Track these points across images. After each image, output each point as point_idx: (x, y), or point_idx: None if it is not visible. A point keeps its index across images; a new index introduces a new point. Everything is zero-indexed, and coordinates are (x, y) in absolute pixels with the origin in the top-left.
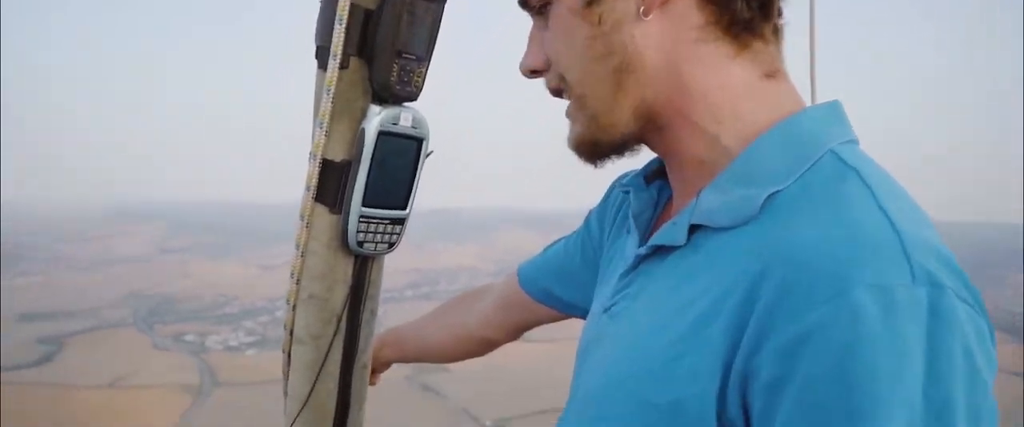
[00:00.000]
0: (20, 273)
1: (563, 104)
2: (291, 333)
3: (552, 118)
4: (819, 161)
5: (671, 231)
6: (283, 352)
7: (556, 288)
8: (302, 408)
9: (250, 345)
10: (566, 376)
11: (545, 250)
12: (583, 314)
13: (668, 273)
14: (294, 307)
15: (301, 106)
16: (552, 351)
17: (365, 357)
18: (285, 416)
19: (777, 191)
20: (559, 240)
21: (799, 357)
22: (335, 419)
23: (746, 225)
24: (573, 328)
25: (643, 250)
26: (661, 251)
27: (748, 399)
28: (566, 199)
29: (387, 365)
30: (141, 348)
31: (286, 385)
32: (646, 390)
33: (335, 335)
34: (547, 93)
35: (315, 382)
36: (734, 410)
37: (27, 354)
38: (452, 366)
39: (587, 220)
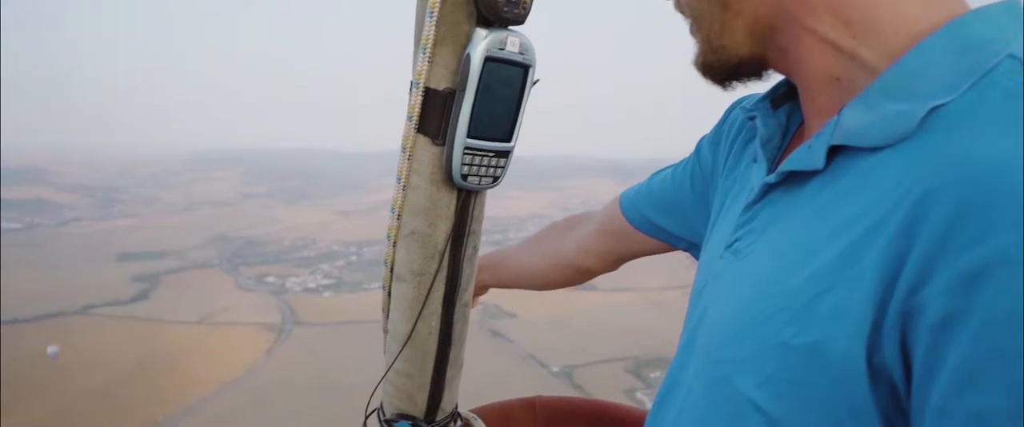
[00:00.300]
0: (117, 215)
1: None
2: (391, 270)
3: (622, 66)
4: (995, 69)
5: (806, 155)
6: (383, 289)
7: (660, 218)
8: (403, 346)
9: (327, 287)
10: (632, 325)
11: (651, 178)
12: (688, 247)
13: (804, 203)
14: (395, 243)
15: (375, 56)
16: (619, 301)
17: (467, 295)
18: (386, 354)
19: (940, 105)
20: (666, 168)
21: (978, 291)
22: (437, 358)
23: (901, 144)
24: (639, 279)
25: (772, 178)
26: (794, 179)
27: (909, 341)
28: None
29: (484, 290)
30: (226, 288)
31: (386, 322)
32: (781, 331)
33: (437, 273)
34: (618, 41)
35: (416, 320)
36: (889, 353)
37: (124, 291)
38: (520, 313)
39: (698, 148)
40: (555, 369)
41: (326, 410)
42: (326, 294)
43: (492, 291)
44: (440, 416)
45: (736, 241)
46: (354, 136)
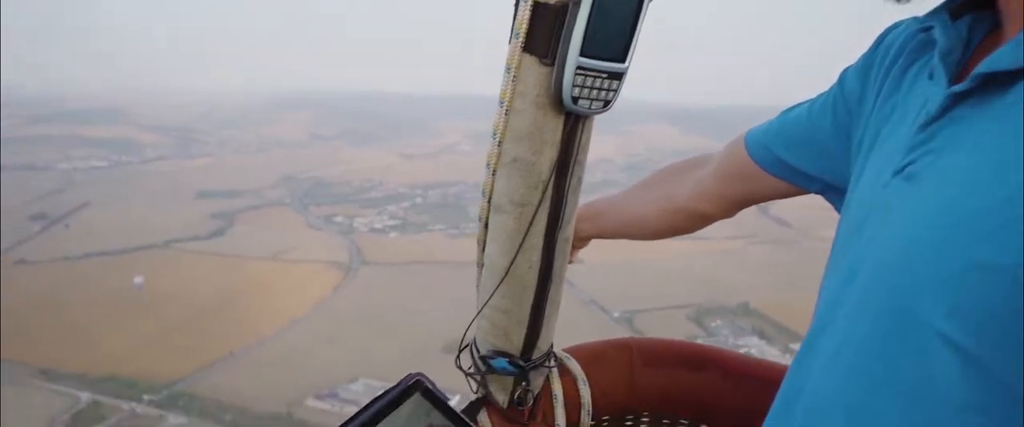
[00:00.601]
0: (195, 155)
1: None
2: (489, 200)
3: (693, 8)
4: None
5: (1010, 53)
6: (479, 221)
7: (793, 157)
8: (501, 281)
9: (392, 228)
10: (696, 273)
11: (782, 115)
12: (821, 189)
13: (1005, 112)
14: (495, 172)
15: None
16: (683, 248)
17: (568, 229)
18: (479, 289)
19: None
20: (799, 105)
21: None
22: (536, 294)
23: None
24: (713, 226)
25: (963, 86)
26: (991, 85)
27: None
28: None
29: (586, 241)
30: (297, 226)
31: (481, 256)
32: (977, 249)
33: (540, 203)
34: None
35: (516, 254)
36: None
37: (203, 227)
38: (586, 257)
39: (842, 79)
40: (616, 314)
41: (391, 346)
42: (392, 235)
43: None
44: (536, 355)
45: (909, 164)
46: (421, 80)
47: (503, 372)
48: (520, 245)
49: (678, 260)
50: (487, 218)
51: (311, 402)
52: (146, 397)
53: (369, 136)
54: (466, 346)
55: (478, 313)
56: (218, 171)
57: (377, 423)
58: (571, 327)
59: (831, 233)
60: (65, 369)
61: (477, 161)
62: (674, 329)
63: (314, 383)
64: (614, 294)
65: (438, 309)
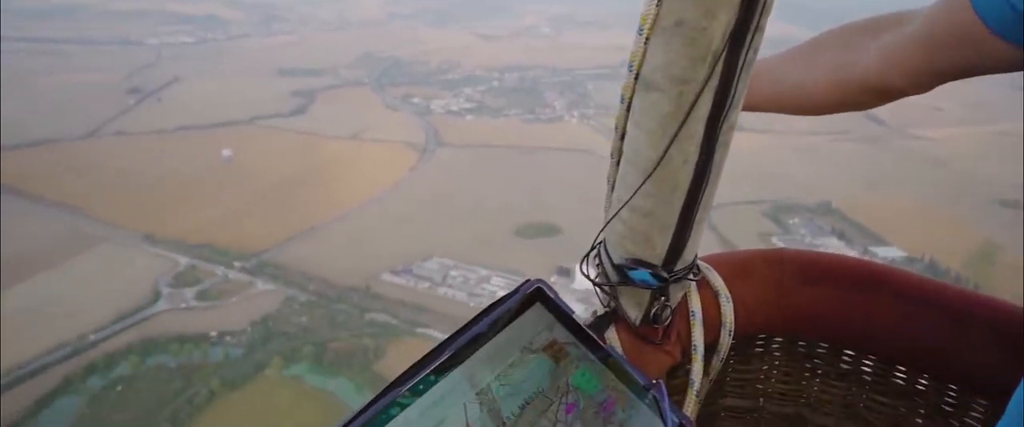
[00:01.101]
0: (277, 32)
1: None
2: (637, 75)
3: None
4: None
5: None
6: (621, 100)
7: None
8: (647, 177)
9: (469, 111)
10: (772, 169)
11: None
12: None
13: None
14: (647, 37)
15: None
16: (760, 143)
17: (735, 115)
18: (613, 184)
19: None
20: None
21: None
22: (688, 193)
23: None
24: (782, 120)
25: None
26: None
27: None
28: None
29: None
30: (375, 106)
31: (619, 144)
32: None
33: (707, 81)
34: None
35: (670, 144)
36: None
37: (285, 104)
38: None
39: None
40: None
41: (463, 228)
42: (468, 117)
43: None
44: (680, 266)
45: None
46: None
47: (642, 284)
48: (675, 133)
49: (754, 154)
50: (631, 97)
51: (387, 277)
52: (237, 264)
53: (447, 16)
54: (594, 250)
55: (614, 214)
56: (299, 49)
57: (497, 333)
58: None
59: (929, 132)
60: (164, 235)
61: (557, 45)
62: (749, 225)
63: (390, 259)
64: None
65: (511, 194)
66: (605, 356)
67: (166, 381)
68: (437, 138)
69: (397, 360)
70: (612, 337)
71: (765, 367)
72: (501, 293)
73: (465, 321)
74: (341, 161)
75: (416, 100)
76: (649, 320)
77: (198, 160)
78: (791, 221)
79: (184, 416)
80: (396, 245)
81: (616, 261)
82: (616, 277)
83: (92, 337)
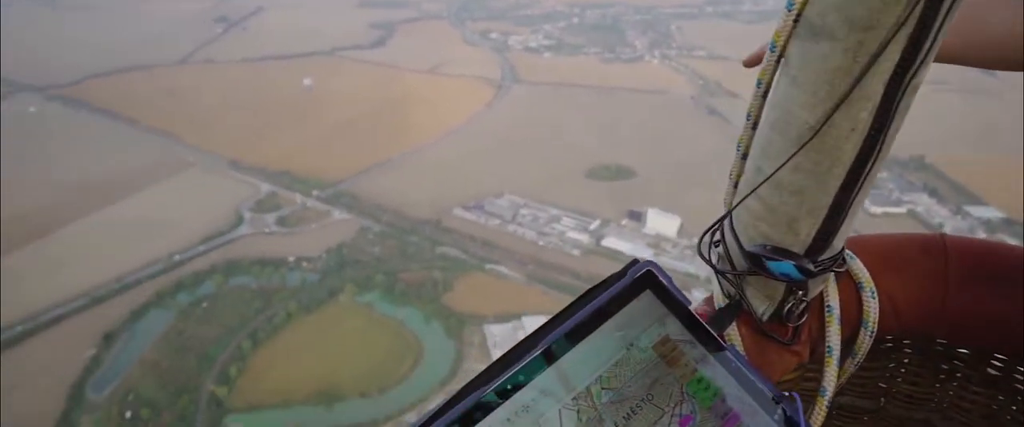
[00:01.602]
0: None
1: None
2: (797, 17)
3: None
4: None
5: None
6: (772, 47)
7: None
8: (802, 145)
9: (547, 48)
10: None
11: None
12: None
13: None
14: None
15: None
16: None
17: (924, 73)
18: (747, 151)
19: None
20: None
21: None
22: (850, 168)
23: None
24: None
25: None
26: None
27: None
28: None
29: None
30: (453, 41)
31: (759, 103)
32: None
33: (899, 27)
34: None
35: (836, 107)
36: None
37: (365, 37)
38: (745, 93)
39: None
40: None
41: (537, 166)
42: (545, 55)
43: (717, 65)
44: (826, 255)
45: None
46: None
47: (782, 277)
48: (846, 94)
49: None
50: (785, 44)
51: (458, 212)
52: (315, 192)
53: None
54: (716, 230)
55: (751, 190)
56: None
57: (599, 325)
58: (722, 167)
59: None
60: (248, 162)
61: None
62: None
63: (462, 194)
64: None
65: (585, 134)
66: (727, 359)
67: (247, 301)
68: (514, 74)
69: (464, 293)
70: (733, 334)
71: (891, 365)
72: (570, 234)
73: (559, 306)
74: (418, 95)
75: (494, 35)
76: (780, 317)
77: (281, 89)
78: (879, 175)
79: (263, 335)
80: (469, 180)
81: (747, 246)
82: (745, 265)
83: (180, 256)
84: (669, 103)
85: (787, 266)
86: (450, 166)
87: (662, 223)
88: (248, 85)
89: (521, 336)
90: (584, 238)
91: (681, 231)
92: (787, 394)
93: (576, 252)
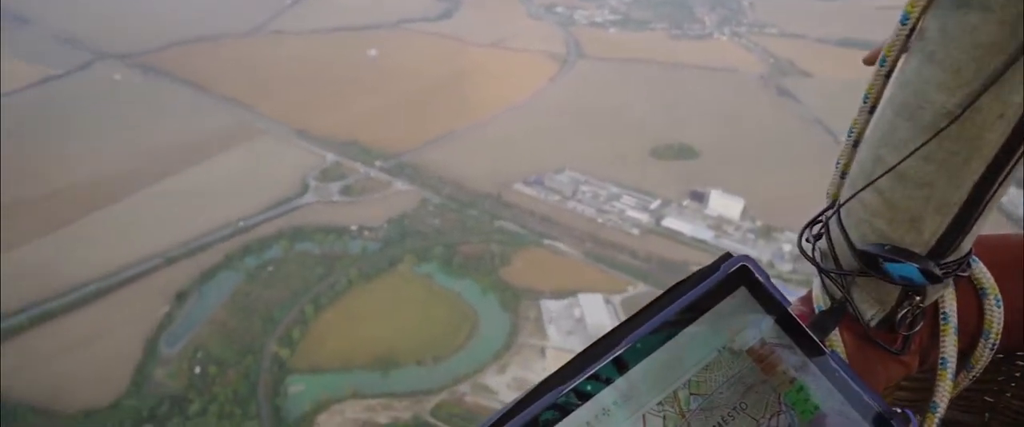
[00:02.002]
0: None
1: None
2: None
3: None
4: None
5: None
6: (903, 20)
7: None
8: (936, 133)
9: (613, 23)
10: None
11: None
12: None
13: None
14: None
15: None
16: None
17: None
18: (861, 136)
19: None
20: None
21: None
22: (991, 162)
23: None
24: None
25: None
26: None
27: None
28: None
29: None
30: (518, 14)
31: (880, 83)
32: None
33: None
34: None
35: (983, 89)
36: None
37: (431, 9)
38: (817, 72)
39: None
40: (842, 139)
41: (599, 143)
42: (611, 30)
43: (789, 44)
44: (953, 257)
45: None
46: None
47: (900, 281)
48: (999, 74)
49: None
50: (921, 14)
51: (518, 186)
52: (378, 163)
53: None
54: (819, 224)
55: (871, 182)
56: None
57: (692, 320)
58: (789, 148)
59: None
60: (315, 131)
61: None
62: None
63: (523, 169)
64: (841, 115)
65: (649, 111)
66: (830, 367)
67: (310, 266)
68: (578, 49)
69: (521, 268)
70: (835, 339)
71: (1000, 378)
72: (630, 212)
73: (654, 298)
74: (481, 68)
75: (560, 9)
76: (891, 323)
77: (347, 60)
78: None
79: (325, 300)
80: (530, 155)
81: (859, 244)
82: (855, 264)
83: (248, 222)
84: (737, 82)
85: (909, 269)
86: (511, 140)
87: (725, 205)
88: (316, 56)
89: (577, 313)
90: (644, 217)
91: (744, 214)
92: (899, 410)
93: (635, 231)
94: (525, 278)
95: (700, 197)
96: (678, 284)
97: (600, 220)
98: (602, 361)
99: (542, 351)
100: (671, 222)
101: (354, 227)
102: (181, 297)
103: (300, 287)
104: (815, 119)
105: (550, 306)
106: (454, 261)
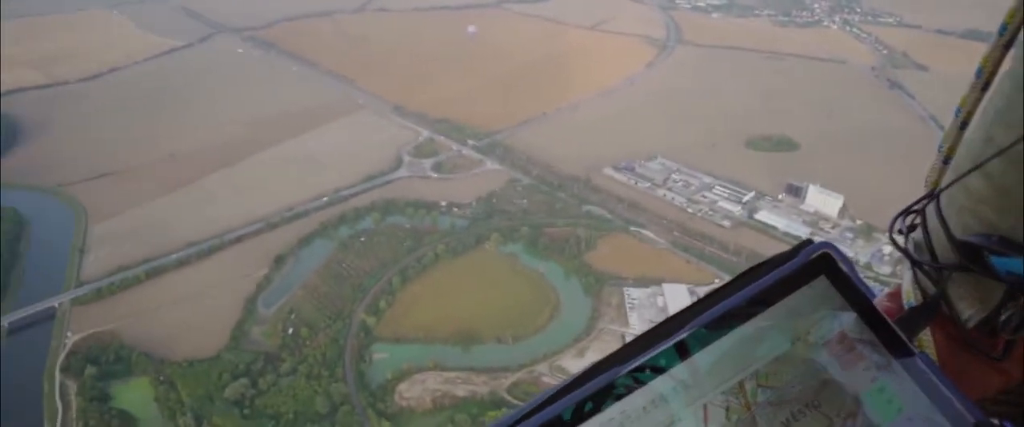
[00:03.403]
0: None
1: None
2: None
3: None
4: None
5: None
6: (1019, 9)
7: None
8: None
9: (716, 8)
10: None
11: None
12: None
13: None
14: None
15: None
16: None
17: None
18: (968, 117)
19: None
20: None
21: None
22: None
23: None
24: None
25: None
26: None
27: None
28: None
29: None
30: None
31: (999, 54)
32: None
33: None
34: None
35: None
36: None
37: None
38: (934, 65)
39: None
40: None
41: (693, 130)
42: (714, 15)
43: (905, 34)
44: None
45: None
46: None
47: (1007, 277)
48: None
49: None
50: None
51: (608, 171)
52: (470, 142)
53: None
54: (911, 213)
55: (978, 165)
56: None
57: (764, 308)
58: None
59: None
60: (411, 107)
61: None
62: None
63: (614, 154)
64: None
65: (748, 101)
66: (918, 369)
67: (400, 239)
68: (678, 35)
69: (606, 253)
70: (925, 339)
71: None
72: (722, 204)
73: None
74: (579, 50)
75: None
76: (992, 326)
77: (446, 39)
78: None
79: (412, 273)
80: (622, 141)
81: (961, 234)
82: (953, 257)
83: (344, 192)
84: (845, 73)
85: (1017, 263)
86: (604, 125)
87: (823, 201)
88: (416, 34)
89: (660, 303)
90: (736, 209)
91: (843, 211)
92: (997, 423)
93: (726, 223)
94: (610, 264)
95: (797, 192)
96: (752, 269)
97: (690, 210)
98: (663, 345)
99: (622, 338)
100: (764, 216)
101: (444, 203)
102: (279, 261)
103: (389, 259)
104: (928, 116)
105: (633, 294)
106: (540, 242)
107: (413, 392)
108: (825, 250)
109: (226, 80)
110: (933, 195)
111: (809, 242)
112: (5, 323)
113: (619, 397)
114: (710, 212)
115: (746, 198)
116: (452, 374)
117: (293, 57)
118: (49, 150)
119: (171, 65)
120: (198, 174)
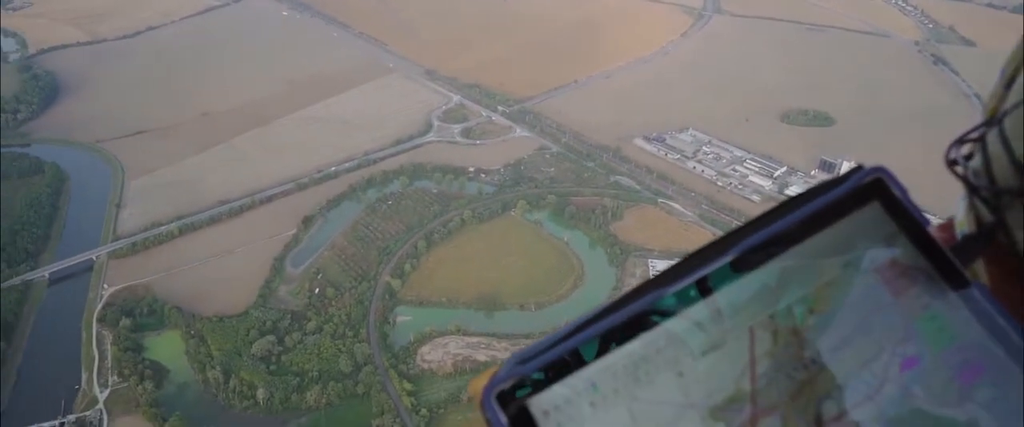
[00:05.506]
0: None
1: None
2: None
3: None
4: None
5: None
6: None
7: None
8: None
9: None
10: None
11: None
12: None
13: None
14: None
15: None
16: None
17: None
18: None
19: None
20: None
21: None
22: None
23: None
24: None
25: None
26: None
27: None
28: None
29: None
30: None
31: None
32: None
33: None
34: None
35: None
36: None
37: None
38: (983, 42)
39: None
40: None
41: (726, 102)
42: None
43: (954, 8)
44: None
45: None
46: None
47: None
48: None
49: None
50: None
51: (639, 142)
52: (500, 108)
53: None
54: (968, 141)
55: None
56: None
57: (814, 233)
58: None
59: None
60: (442, 71)
61: None
62: None
63: (644, 124)
64: None
65: (785, 73)
66: (974, 298)
67: (427, 204)
68: (716, 3)
69: (633, 225)
70: (979, 268)
71: None
72: (753, 178)
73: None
74: (613, 17)
75: None
76: None
77: (481, 3)
78: None
79: (437, 237)
80: (653, 111)
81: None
82: (1015, 181)
83: (373, 155)
84: (888, 48)
85: None
86: (636, 94)
87: None
88: None
89: None
90: (767, 184)
91: None
92: None
93: (756, 197)
94: (635, 235)
95: (830, 168)
96: (802, 193)
97: (720, 183)
98: (710, 266)
99: None
100: (795, 191)
101: (471, 169)
102: (308, 222)
103: (415, 222)
104: (972, 94)
105: (658, 266)
106: (566, 211)
107: (435, 355)
108: (878, 175)
109: (260, 40)
110: (996, 120)
111: (861, 167)
112: (47, 274)
113: (664, 318)
114: (740, 186)
115: (778, 173)
116: (474, 339)
117: (327, 19)
118: (88, 107)
119: (207, 24)
120: (231, 133)
